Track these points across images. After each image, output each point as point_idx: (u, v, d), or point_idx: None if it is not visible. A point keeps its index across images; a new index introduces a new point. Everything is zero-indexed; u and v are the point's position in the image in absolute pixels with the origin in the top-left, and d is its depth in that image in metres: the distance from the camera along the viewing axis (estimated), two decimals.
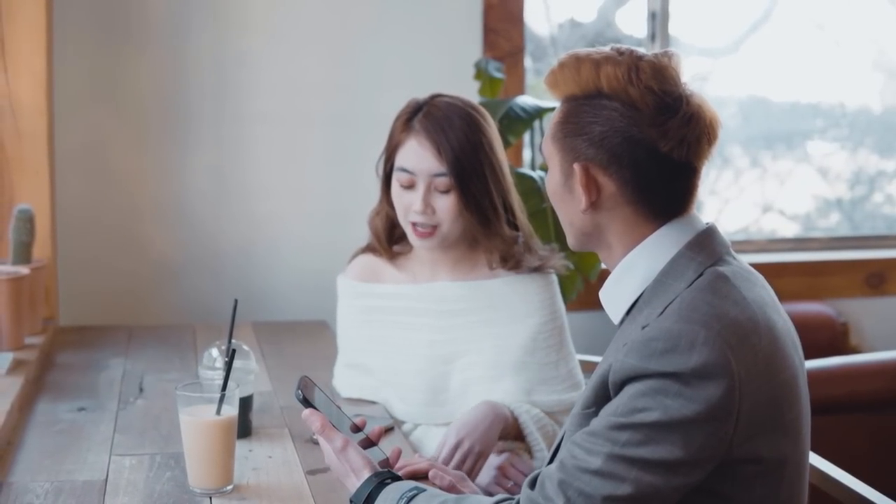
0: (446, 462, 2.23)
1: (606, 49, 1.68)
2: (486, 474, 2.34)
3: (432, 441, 2.39)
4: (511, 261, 2.48)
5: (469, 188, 2.38)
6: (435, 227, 2.41)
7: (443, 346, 2.49)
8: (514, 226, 2.48)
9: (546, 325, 2.47)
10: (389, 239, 2.57)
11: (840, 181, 4.55)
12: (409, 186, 2.41)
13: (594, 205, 1.68)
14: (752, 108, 4.50)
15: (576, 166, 1.67)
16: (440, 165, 2.38)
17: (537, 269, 2.50)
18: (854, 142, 4.54)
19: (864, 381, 3.02)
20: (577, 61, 1.68)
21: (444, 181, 2.38)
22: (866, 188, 4.55)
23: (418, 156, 2.40)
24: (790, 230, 4.50)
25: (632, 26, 4.20)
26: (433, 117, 2.40)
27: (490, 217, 2.42)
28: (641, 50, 1.68)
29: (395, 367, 2.53)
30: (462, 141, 2.38)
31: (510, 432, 2.38)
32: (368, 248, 2.62)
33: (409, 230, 2.44)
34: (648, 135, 1.63)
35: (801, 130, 4.51)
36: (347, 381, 2.61)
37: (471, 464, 2.25)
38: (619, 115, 1.63)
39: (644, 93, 1.63)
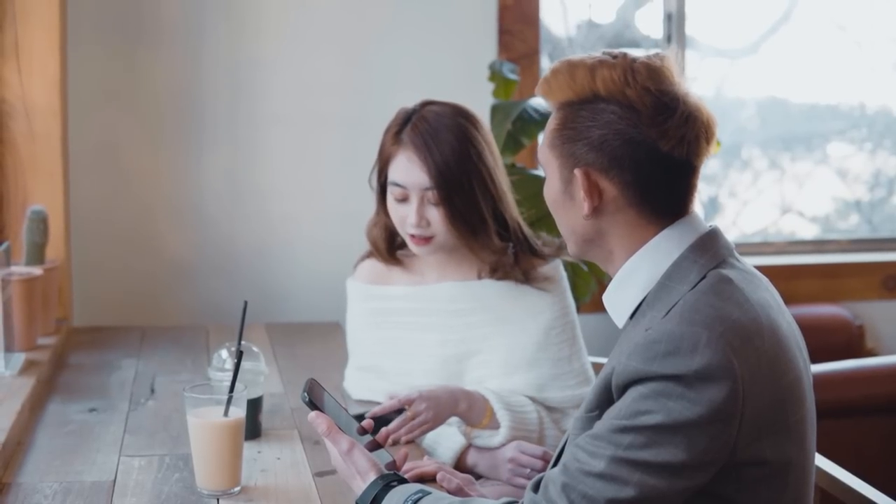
0: (385, 411, 2.26)
1: (598, 54, 1.68)
2: (502, 469, 2.34)
3: (444, 440, 2.39)
4: (500, 271, 2.48)
5: (454, 202, 2.39)
6: (432, 237, 2.43)
7: (455, 345, 2.49)
8: (507, 237, 2.48)
9: (558, 320, 2.48)
10: (390, 247, 2.58)
11: (859, 183, 4.52)
12: (403, 199, 2.42)
13: (596, 210, 1.67)
14: (771, 109, 4.48)
15: (576, 172, 1.66)
16: (430, 179, 2.39)
17: (533, 279, 2.50)
18: (873, 143, 4.51)
19: (878, 384, 3.00)
20: (570, 67, 1.67)
21: (434, 194, 2.39)
22: (885, 190, 4.52)
23: (408, 170, 2.40)
24: (810, 232, 4.48)
25: (650, 27, 4.18)
26: (420, 130, 2.40)
27: (477, 230, 2.43)
28: (634, 52, 1.68)
29: (407, 369, 2.53)
30: (447, 155, 2.38)
31: (486, 416, 2.38)
32: (372, 254, 2.62)
33: (407, 240, 2.46)
34: (648, 135, 1.62)
35: (820, 132, 4.48)
36: (359, 384, 2.61)
37: (418, 429, 2.27)
38: (618, 118, 1.63)
39: (641, 93, 1.62)
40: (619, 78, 1.63)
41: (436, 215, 2.40)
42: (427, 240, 2.42)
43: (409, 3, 3.63)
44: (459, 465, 2.37)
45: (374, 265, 2.61)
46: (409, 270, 2.57)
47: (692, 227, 1.68)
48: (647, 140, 1.62)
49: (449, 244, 2.45)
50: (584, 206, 1.67)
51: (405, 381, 2.51)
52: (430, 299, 2.52)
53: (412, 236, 2.42)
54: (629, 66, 1.64)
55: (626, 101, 1.63)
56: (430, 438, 2.43)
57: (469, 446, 2.38)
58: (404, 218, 2.42)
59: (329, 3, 3.58)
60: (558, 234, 3.04)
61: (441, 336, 2.50)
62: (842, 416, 2.84)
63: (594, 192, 1.66)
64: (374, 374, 2.58)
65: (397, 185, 2.42)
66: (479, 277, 2.51)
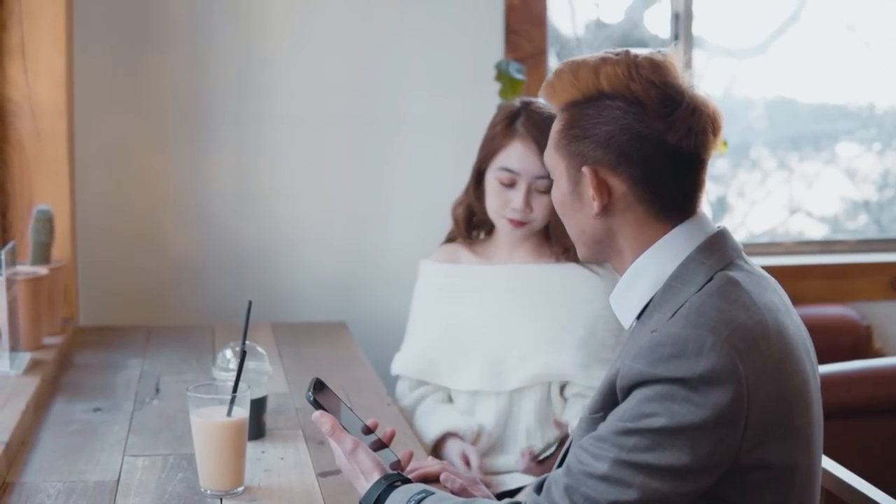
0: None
1: (600, 53, 1.67)
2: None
3: (436, 418, 2.63)
4: (572, 251, 2.60)
5: None
6: (528, 222, 2.64)
7: (507, 320, 2.66)
8: None
9: (607, 309, 2.55)
10: (468, 226, 2.79)
11: (867, 183, 4.51)
12: (511, 185, 2.62)
13: (606, 208, 1.66)
14: (780, 109, 4.46)
15: (585, 170, 1.65)
16: (543, 168, 2.51)
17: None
18: (882, 143, 4.49)
19: (885, 385, 2.98)
20: (573, 67, 1.67)
21: (544, 183, 2.59)
22: (894, 190, 4.50)
23: (523, 158, 2.60)
24: (818, 232, 4.46)
25: (658, 27, 4.17)
26: (535, 122, 2.60)
27: None
28: (637, 50, 1.67)
29: (457, 339, 2.70)
30: None
31: None
32: (449, 239, 2.84)
33: (502, 222, 2.65)
34: (655, 128, 1.62)
35: (828, 132, 4.47)
36: (412, 363, 2.78)
37: None
38: (624, 113, 1.63)
39: (646, 87, 1.62)
40: (623, 73, 1.63)
41: (540, 202, 2.61)
42: (523, 224, 2.63)
43: (416, 2, 3.62)
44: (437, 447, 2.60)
45: (447, 248, 2.83)
46: (478, 252, 2.78)
47: (700, 227, 1.67)
48: (654, 133, 1.62)
49: (536, 229, 2.67)
50: (594, 205, 1.66)
51: (453, 349, 2.70)
52: (493, 277, 2.71)
53: (510, 219, 2.63)
54: (632, 62, 1.64)
55: (631, 95, 1.62)
56: (424, 409, 2.68)
57: (448, 435, 2.60)
58: (507, 202, 2.63)
59: (335, 3, 3.57)
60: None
61: (496, 311, 2.68)
62: (848, 418, 2.82)
63: (603, 189, 1.65)
64: (429, 350, 2.75)
65: (509, 170, 2.61)
66: (558, 261, 2.69)
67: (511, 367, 2.64)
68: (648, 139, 1.62)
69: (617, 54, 1.66)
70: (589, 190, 1.66)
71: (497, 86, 3.41)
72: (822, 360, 1.90)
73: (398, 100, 3.60)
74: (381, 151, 3.61)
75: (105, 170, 3.48)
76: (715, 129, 1.66)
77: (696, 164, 1.66)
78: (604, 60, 1.65)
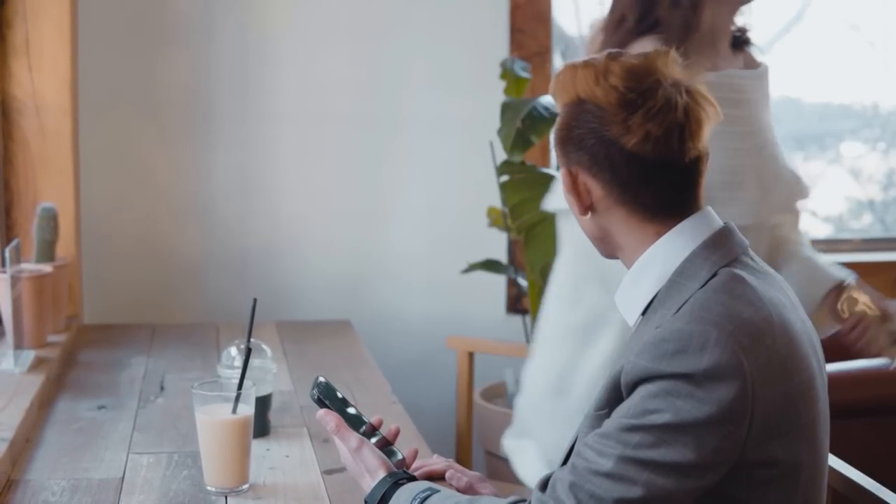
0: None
1: (600, 54, 1.67)
2: None
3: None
4: None
5: None
6: None
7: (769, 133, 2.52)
8: None
9: None
10: None
11: (872, 183, 4.50)
12: None
13: (591, 209, 1.68)
14: (784, 108, 4.46)
15: (570, 171, 1.68)
16: None
17: None
18: (887, 143, 4.49)
19: (891, 385, 2.98)
20: (565, 69, 1.70)
21: None
22: None
23: None
24: (822, 231, 4.46)
25: None
26: None
27: None
28: (629, 52, 1.67)
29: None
30: None
31: None
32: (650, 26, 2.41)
33: None
34: (614, 132, 1.62)
35: (833, 131, 4.46)
36: None
37: None
38: (593, 117, 1.64)
39: (608, 91, 1.62)
40: (591, 78, 1.64)
41: None
42: None
43: (421, 0, 3.63)
44: None
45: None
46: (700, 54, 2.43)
47: (705, 223, 1.66)
48: (613, 137, 1.62)
49: None
50: (576, 206, 1.68)
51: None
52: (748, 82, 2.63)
53: None
54: (604, 67, 1.63)
55: (595, 100, 1.64)
56: None
57: None
58: None
59: (339, 1, 3.57)
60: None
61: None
62: (855, 417, 2.82)
63: (583, 191, 1.67)
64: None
65: None
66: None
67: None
68: (611, 143, 1.62)
69: (608, 56, 1.66)
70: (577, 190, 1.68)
71: (502, 84, 3.41)
72: (827, 359, 1.89)
73: (403, 98, 3.60)
74: (386, 149, 3.62)
75: (109, 168, 3.49)
76: (683, 135, 1.61)
77: (665, 169, 1.63)
78: (585, 64, 1.66)
